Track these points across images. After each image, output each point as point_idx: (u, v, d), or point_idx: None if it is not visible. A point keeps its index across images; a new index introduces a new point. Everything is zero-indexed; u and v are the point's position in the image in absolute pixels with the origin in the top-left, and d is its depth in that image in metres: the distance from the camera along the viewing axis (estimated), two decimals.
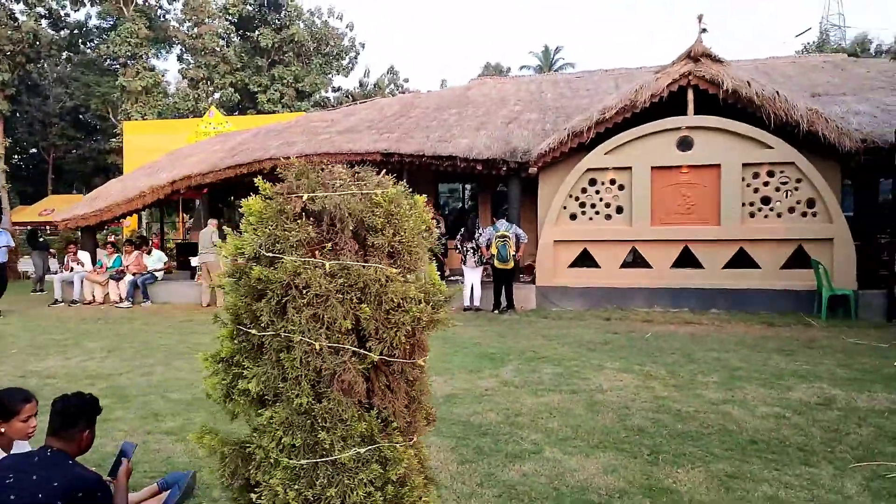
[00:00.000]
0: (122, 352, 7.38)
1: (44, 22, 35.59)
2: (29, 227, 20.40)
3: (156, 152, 22.24)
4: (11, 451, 2.86)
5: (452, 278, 10.96)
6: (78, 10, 35.93)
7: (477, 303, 10.34)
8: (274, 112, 33.60)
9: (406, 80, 45.88)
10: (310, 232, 1.58)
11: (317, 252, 1.62)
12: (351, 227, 1.63)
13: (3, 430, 2.77)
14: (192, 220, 21.69)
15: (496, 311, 9.87)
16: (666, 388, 5.43)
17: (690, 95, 9.79)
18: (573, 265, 10.37)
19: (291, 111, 34.22)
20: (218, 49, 34.08)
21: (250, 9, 35.76)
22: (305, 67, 37.18)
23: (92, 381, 6.05)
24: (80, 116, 44.46)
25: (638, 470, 3.69)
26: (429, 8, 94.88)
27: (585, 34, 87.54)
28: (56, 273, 13.55)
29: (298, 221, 1.59)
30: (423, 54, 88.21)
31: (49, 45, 36.20)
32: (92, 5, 35.25)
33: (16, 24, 33.98)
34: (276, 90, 35.68)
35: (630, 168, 9.95)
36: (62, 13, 36.21)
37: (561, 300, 10.27)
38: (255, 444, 1.65)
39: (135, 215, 18.78)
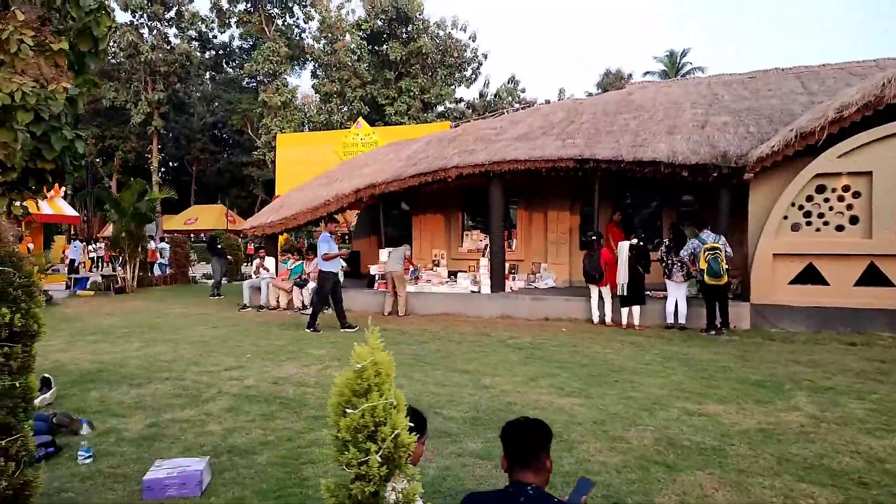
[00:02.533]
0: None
1: (194, 44, 38.26)
2: (209, 235, 21.53)
3: (305, 163, 23.07)
4: None
5: (651, 293, 10.20)
6: (224, 31, 38.36)
7: (682, 320, 9.53)
8: (401, 124, 34.17)
9: (523, 90, 45.53)
10: None
11: None
12: None
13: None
14: (350, 229, 22.18)
15: (711, 332, 8.99)
16: None
17: None
18: (794, 281, 9.33)
19: (418, 122, 34.68)
20: (350, 64, 35.14)
21: (380, 23, 36.62)
22: (431, 79, 37.63)
23: None
24: (216, 132, 47.55)
25: None
26: (541, 17, 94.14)
27: (705, 38, 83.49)
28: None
29: None
30: (537, 63, 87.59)
31: (198, 65, 38.88)
32: (237, 27, 37.44)
33: (170, 47, 36.74)
34: (403, 102, 36.29)
35: (870, 173, 8.82)
36: (210, 35, 38.77)
37: (781, 320, 9.25)
38: None
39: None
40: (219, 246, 15.46)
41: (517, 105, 41.58)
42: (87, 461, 4.06)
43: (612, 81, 50.01)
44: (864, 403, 5.31)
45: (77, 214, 22.68)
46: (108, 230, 30.10)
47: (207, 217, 36.93)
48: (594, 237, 10.13)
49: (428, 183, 11.47)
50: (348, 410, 1.94)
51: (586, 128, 12.34)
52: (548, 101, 42.60)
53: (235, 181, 45.15)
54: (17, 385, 2.57)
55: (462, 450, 4.32)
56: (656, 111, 13.00)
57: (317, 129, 34.30)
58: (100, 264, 27.60)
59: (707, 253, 8.93)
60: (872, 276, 8.94)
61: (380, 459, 1.89)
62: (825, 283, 9.14)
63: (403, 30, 36.95)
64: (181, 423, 4.94)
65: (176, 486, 3.53)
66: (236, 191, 45.64)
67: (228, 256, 16.53)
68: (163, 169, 44.86)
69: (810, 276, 9.25)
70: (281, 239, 23.73)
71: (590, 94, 43.80)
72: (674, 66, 46.54)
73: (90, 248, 26.58)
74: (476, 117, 35.53)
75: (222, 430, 4.74)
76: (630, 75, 50.36)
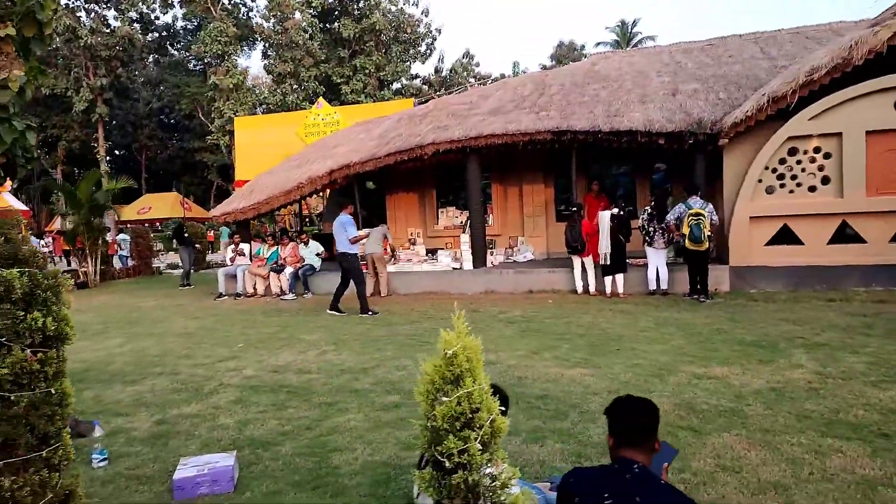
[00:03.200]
0: (347, 344, 7.14)
1: (136, 26, 36.53)
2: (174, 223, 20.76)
3: (265, 146, 22.45)
4: None
5: (629, 260, 10.32)
6: (166, 12, 36.73)
7: (665, 286, 9.70)
8: (358, 102, 33.53)
9: (478, 65, 45.28)
10: None
11: None
12: None
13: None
14: (322, 210, 21.73)
15: (694, 297, 9.17)
16: None
17: None
18: (770, 243, 9.58)
19: (375, 100, 34.10)
20: (302, 43, 34.16)
21: (331, 0, 35.65)
22: (385, 56, 36.97)
23: (354, 376, 5.78)
24: (164, 117, 45.73)
25: None
26: None
27: (656, 5, 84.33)
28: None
29: None
30: (490, 37, 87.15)
31: (141, 48, 37.20)
32: (181, 7, 35.90)
33: (110, 30, 35.01)
34: (358, 80, 35.58)
35: (839, 134, 9.06)
36: (152, 16, 37.07)
37: (759, 281, 9.52)
38: None
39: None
40: (185, 234, 14.95)
41: (473, 79, 41.35)
42: (103, 464, 3.88)
43: (566, 53, 50.16)
44: (860, 357, 5.50)
45: (27, 209, 21.65)
46: (56, 224, 28.74)
47: (161, 205, 35.60)
48: (574, 209, 10.17)
49: (403, 161, 11.29)
50: (443, 398, 1.85)
51: (558, 100, 12.31)
52: (503, 75, 42.46)
53: (188, 167, 43.67)
54: (53, 392, 2.41)
55: None
56: (624, 81, 13.03)
57: (271, 111, 33.38)
58: (52, 260, 26.44)
59: (690, 218, 9.04)
60: (844, 234, 9.25)
61: (479, 447, 1.83)
62: (800, 242, 9.42)
63: (355, 6, 36.10)
64: (190, 418, 4.77)
65: (208, 484, 3.40)
66: (189, 177, 44.16)
67: (197, 245, 16.03)
68: (108, 157, 43.03)
69: (786, 236, 9.51)
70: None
71: (545, 67, 43.89)
72: (625, 36, 46.92)
73: (41, 243, 25.38)
74: (434, 93, 35.18)
75: (235, 423, 4.60)
76: (583, 46, 50.68)
